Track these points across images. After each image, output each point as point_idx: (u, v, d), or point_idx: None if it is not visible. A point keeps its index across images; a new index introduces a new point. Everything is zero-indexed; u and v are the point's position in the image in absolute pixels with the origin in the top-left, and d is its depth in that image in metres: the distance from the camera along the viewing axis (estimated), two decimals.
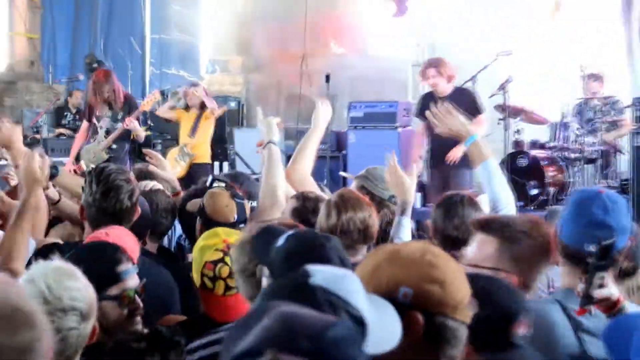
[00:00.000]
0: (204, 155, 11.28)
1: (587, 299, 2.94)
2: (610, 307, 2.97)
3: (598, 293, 2.94)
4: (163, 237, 5.70)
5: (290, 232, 3.09)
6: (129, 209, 4.58)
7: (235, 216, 4.82)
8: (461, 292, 2.37)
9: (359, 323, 2.11)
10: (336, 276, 2.29)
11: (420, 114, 9.34)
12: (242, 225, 4.70)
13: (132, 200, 4.63)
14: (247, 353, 1.76)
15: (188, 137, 11.15)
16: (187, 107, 11.38)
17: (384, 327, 2.23)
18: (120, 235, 4.00)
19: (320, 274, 2.26)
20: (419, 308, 2.29)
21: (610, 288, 2.99)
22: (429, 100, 9.00)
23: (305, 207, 4.91)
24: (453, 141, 8.31)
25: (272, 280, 2.65)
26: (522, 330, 2.75)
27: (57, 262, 2.92)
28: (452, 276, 2.38)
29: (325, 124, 6.25)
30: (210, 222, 4.69)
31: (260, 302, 2.29)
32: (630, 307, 3.02)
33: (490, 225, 3.65)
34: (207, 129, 11.26)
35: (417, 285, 2.32)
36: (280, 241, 2.90)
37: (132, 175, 5.31)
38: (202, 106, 11.31)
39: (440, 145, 9.15)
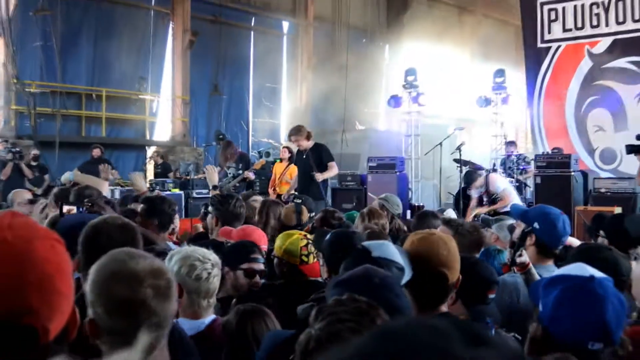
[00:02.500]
0: (286, 189, 10.92)
1: (512, 263, 3.03)
2: (523, 268, 3.02)
3: (518, 260, 3.01)
4: None
5: (333, 230, 3.19)
6: (243, 214, 4.57)
7: (294, 222, 4.76)
8: (452, 262, 2.37)
9: (401, 270, 2.28)
10: (382, 248, 2.36)
11: (295, 162, 9.12)
12: (299, 227, 4.60)
13: (244, 209, 4.63)
14: (342, 281, 1.97)
15: (278, 179, 11.02)
16: (281, 160, 11.47)
17: (407, 271, 2.31)
18: (251, 232, 3.94)
19: (375, 248, 2.34)
20: (421, 267, 2.33)
21: (525, 257, 3.04)
22: (298, 153, 8.73)
23: (327, 216, 4.82)
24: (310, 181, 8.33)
25: (348, 258, 2.43)
26: (492, 294, 2.79)
27: (191, 247, 2.82)
28: (447, 253, 2.37)
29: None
30: (282, 225, 4.75)
31: (342, 270, 2.32)
32: (533, 269, 3.04)
33: (451, 223, 3.80)
34: (291, 174, 10.80)
35: (421, 254, 2.36)
36: (327, 236, 2.98)
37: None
38: (290, 160, 11.34)
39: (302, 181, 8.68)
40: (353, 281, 1.93)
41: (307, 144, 8.50)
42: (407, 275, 2.32)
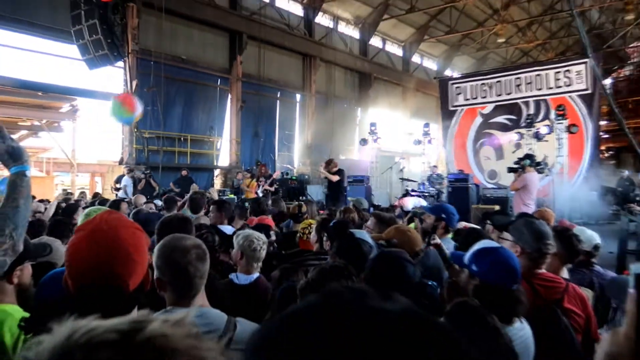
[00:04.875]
0: (249, 195, 9.73)
1: (428, 244, 2.93)
2: (437, 246, 2.85)
3: (432, 242, 2.87)
4: None
5: (335, 220, 3.04)
6: (246, 211, 4.21)
7: (297, 212, 4.44)
8: (416, 243, 2.40)
9: (371, 247, 2.22)
10: (361, 233, 2.34)
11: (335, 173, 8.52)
12: (299, 215, 4.27)
13: (247, 210, 4.31)
14: (340, 252, 1.97)
15: (246, 189, 9.99)
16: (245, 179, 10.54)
17: (375, 249, 2.26)
18: (262, 220, 3.80)
19: (357, 233, 2.32)
20: (400, 247, 2.29)
21: (437, 240, 2.72)
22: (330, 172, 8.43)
23: (330, 212, 4.65)
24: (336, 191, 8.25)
25: (338, 240, 2.35)
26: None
27: (250, 230, 2.66)
28: (413, 237, 2.39)
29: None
30: (292, 214, 4.47)
31: (336, 248, 2.24)
32: (444, 246, 2.60)
33: (383, 218, 3.52)
34: (252, 186, 9.91)
35: (399, 238, 2.36)
36: (332, 223, 2.88)
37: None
38: (250, 178, 10.40)
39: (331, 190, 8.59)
40: (348, 251, 2.02)
41: (335, 169, 8.45)
42: (374, 251, 2.24)
